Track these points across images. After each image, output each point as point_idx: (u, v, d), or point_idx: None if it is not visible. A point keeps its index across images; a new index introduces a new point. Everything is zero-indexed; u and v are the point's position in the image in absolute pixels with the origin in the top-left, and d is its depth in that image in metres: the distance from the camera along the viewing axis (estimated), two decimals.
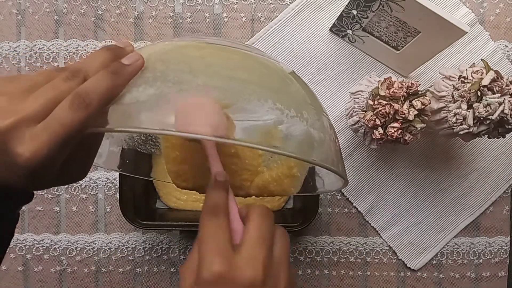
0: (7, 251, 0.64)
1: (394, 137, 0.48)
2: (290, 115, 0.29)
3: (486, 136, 0.50)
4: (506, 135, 0.50)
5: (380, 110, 0.48)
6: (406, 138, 0.49)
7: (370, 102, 0.49)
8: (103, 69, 0.27)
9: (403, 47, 0.56)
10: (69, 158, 0.29)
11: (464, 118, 0.48)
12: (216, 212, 0.29)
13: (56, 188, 0.62)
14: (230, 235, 0.29)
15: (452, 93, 0.48)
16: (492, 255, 0.64)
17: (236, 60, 0.32)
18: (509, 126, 0.48)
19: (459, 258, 0.64)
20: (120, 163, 0.47)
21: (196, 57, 0.30)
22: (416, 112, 0.48)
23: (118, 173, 0.58)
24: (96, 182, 0.62)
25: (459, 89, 0.47)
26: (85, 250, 0.63)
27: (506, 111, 0.46)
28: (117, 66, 0.28)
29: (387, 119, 0.48)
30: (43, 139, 0.24)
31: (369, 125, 0.49)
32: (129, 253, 0.63)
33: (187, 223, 0.56)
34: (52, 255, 0.63)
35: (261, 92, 0.29)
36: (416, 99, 0.48)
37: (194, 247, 0.29)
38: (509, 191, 0.64)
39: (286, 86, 0.32)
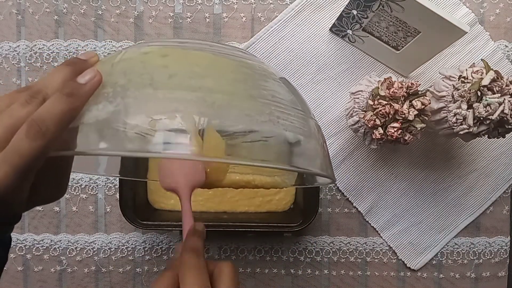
0: None
1: (394, 137, 0.48)
2: (261, 120, 0.27)
3: (486, 136, 0.50)
4: (506, 135, 0.50)
5: (380, 110, 0.48)
6: (406, 138, 0.49)
7: (370, 102, 0.49)
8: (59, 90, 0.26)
9: (403, 47, 0.56)
10: (40, 181, 0.29)
11: (464, 118, 0.48)
12: (198, 254, 0.31)
13: None
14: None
15: (452, 93, 0.48)
16: (492, 255, 0.64)
17: (204, 66, 0.29)
18: (509, 126, 0.48)
19: (459, 258, 0.64)
20: (120, 168, 0.47)
21: (159, 66, 0.29)
22: (416, 112, 0.48)
23: None
24: (96, 182, 0.62)
25: (459, 89, 0.47)
26: (85, 250, 0.63)
27: (506, 111, 0.46)
28: (73, 86, 0.26)
29: (387, 119, 0.48)
30: (4, 171, 0.24)
31: (369, 125, 0.49)
32: (129, 253, 0.63)
33: None
34: (52, 255, 0.63)
35: (228, 99, 0.27)
36: (416, 99, 0.48)
37: (163, 279, 0.30)
38: (509, 191, 0.64)
39: (262, 90, 0.30)
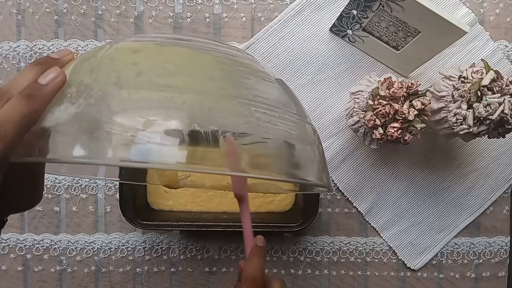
0: (7, 251, 0.64)
1: (394, 137, 0.48)
2: (237, 122, 0.25)
3: (486, 136, 0.50)
4: (506, 135, 0.50)
5: (380, 110, 0.48)
6: (406, 138, 0.49)
7: (370, 102, 0.49)
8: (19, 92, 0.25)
9: (403, 47, 0.56)
10: (11, 188, 0.28)
11: (464, 118, 0.48)
12: (256, 284, 0.33)
13: (56, 188, 0.62)
14: None
15: (452, 93, 0.48)
16: (492, 255, 0.64)
17: (177, 62, 0.27)
18: (509, 126, 0.48)
19: (459, 258, 0.64)
20: (119, 172, 0.47)
21: (128, 63, 0.26)
22: (416, 112, 0.48)
23: None
24: (96, 182, 0.62)
25: (459, 89, 0.48)
26: (85, 250, 0.63)
27: (506, 111, 0.46)
28: (32, 88, 0.25)
29: (387, 119, 0.48)
30: None
31: (369, 125, 0.49)
32: (129, 253, 0.63)
33: (187, 223, 0.56)
34: (52, 255, 0.63)
35: (200, 99, 0.25)
36: (416, 99, 0.48)
37: None
38: (509, 191, 0.64)
39: (242, 88, 0.27)
